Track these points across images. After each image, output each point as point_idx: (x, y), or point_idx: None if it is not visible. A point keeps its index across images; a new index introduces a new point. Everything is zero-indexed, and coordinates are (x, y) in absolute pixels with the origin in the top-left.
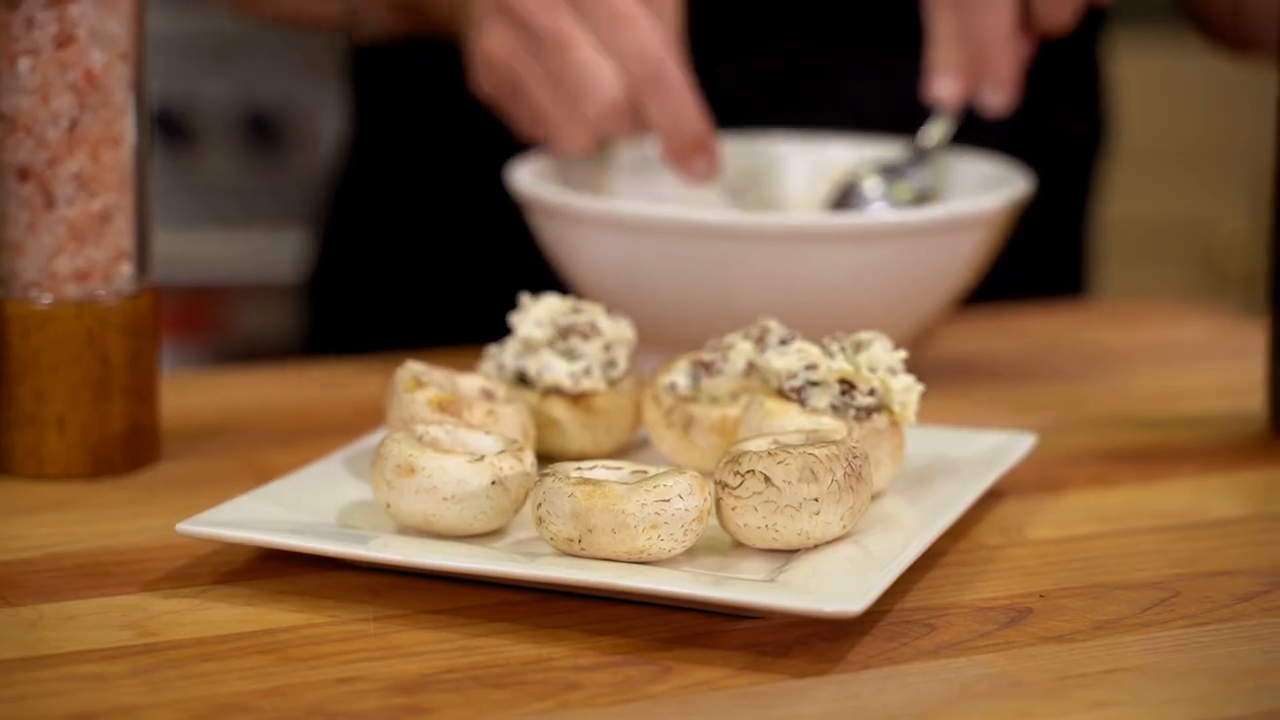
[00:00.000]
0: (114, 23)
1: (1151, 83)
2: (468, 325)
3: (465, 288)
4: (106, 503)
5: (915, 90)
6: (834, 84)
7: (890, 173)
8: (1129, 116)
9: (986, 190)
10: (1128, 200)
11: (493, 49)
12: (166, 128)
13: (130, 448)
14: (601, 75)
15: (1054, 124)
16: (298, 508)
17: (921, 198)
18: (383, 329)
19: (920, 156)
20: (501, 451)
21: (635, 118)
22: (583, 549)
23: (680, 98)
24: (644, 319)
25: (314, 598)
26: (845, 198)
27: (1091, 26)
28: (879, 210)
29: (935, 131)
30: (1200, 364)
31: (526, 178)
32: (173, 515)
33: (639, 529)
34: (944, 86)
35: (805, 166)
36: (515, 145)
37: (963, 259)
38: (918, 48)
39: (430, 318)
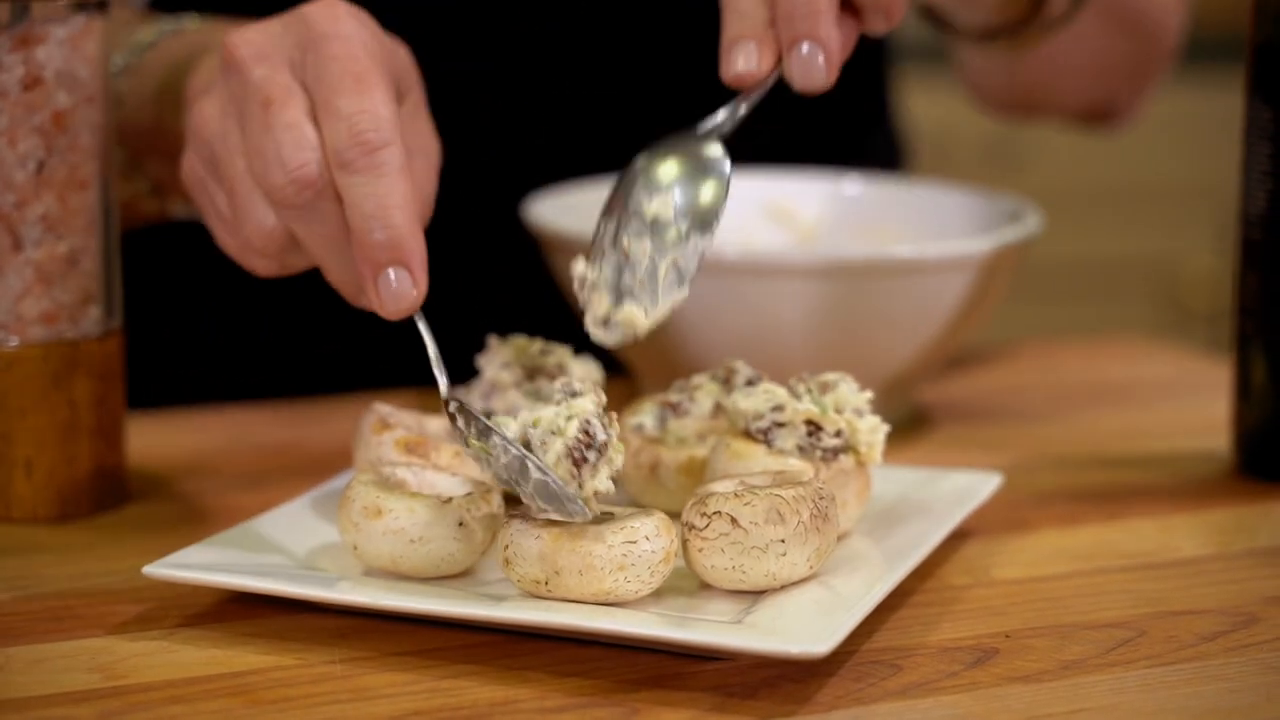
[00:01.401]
0: (80, 66)
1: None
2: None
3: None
4: (74, 545)
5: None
6: None
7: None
8: (1095, 153)
9: (982, 230)
10: (1094, 238)
11: (200, 120)
12: None
13: (98, 490)
14: (300, 141)
15: (851, 156)
16: (265, 550)
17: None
18: (346, 369)
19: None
20: (469, 494)
21: (328, 199)
22: (549, 591)
23: (393, 185)
24: (643, 353)
25: (282, 640)
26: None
27: (877, 62)
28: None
29: (718, 115)
30: (1165, 403)
31: (546, 213)
32: (140, 557)
33: (606, 570)
34: (744, 56)
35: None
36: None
37: (949, 300)
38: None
39: (396, 358)
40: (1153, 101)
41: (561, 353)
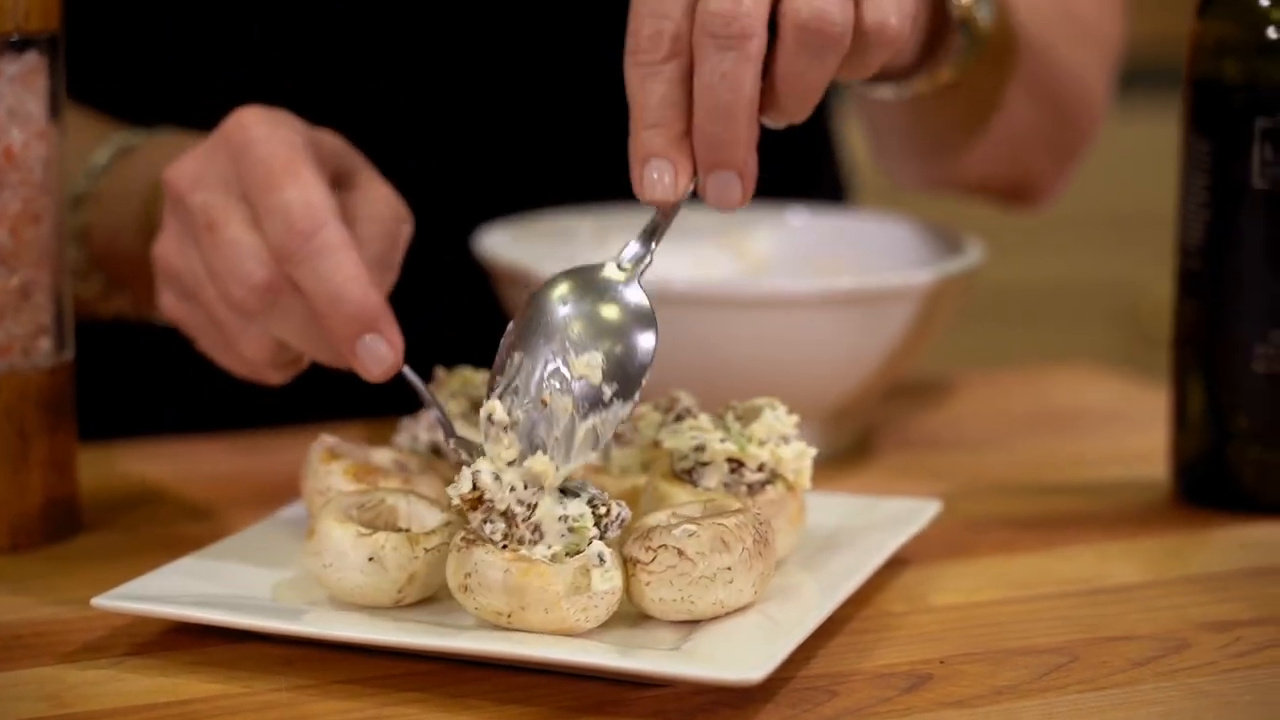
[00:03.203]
0: (32, 102)
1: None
2: (382, 405)
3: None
4: (24, 575)
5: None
6: None
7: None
8: None
9: (926, 260)
10: (1056, 264)
11: (162, 258)
12: None
13: (49, 520)
14: (246, 252)
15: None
16: (212, 581)
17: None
18: (294, 403)
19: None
20: (400, 531)
21: (288, 294)
22: (509, 622)
23: (338, 264)
24: None
25: (228, 668)
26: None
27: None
28: None
29: (634, 247)
30: (1107, 431)
31: (497, 245)
32: (89, 587)
33: (571, 610)
34: (658, 175)
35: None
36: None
37: (890, 331)
38: None
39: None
40: (1112, 131)
41: None
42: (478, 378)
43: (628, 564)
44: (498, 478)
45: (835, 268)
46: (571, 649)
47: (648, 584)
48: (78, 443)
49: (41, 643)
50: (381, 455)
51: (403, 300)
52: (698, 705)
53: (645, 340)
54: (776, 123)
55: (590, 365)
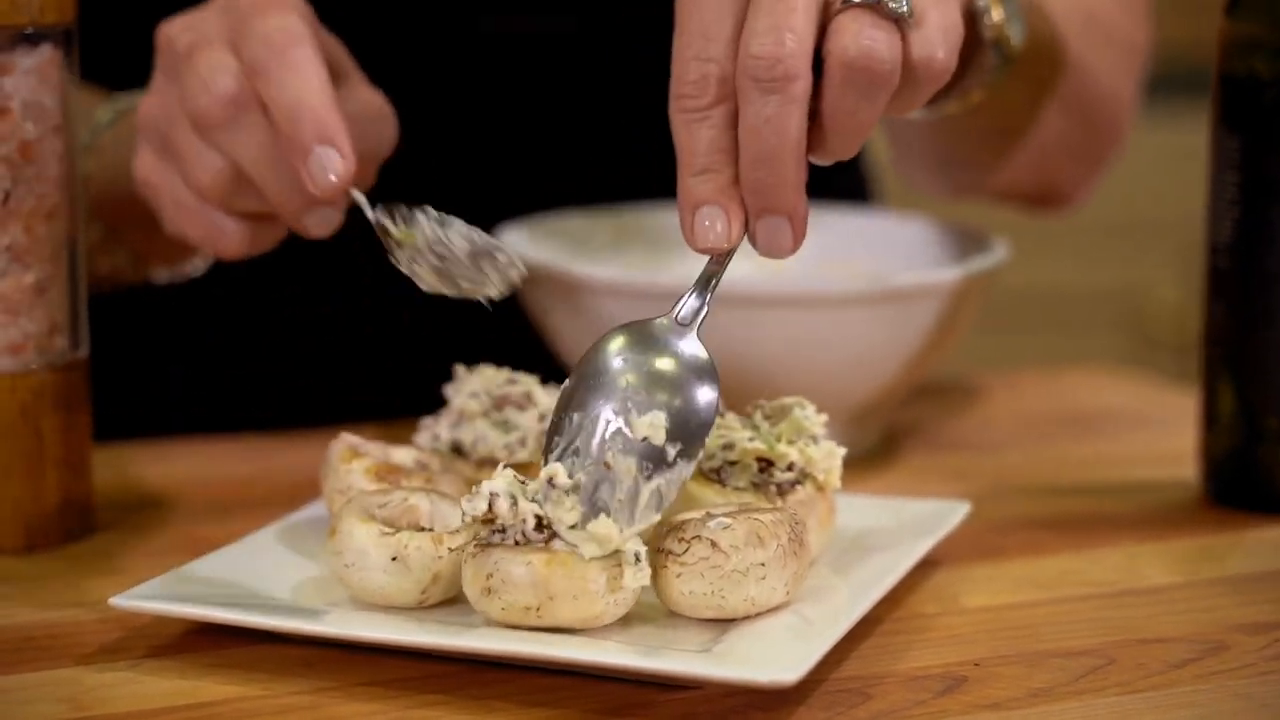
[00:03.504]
0: (47, 95)
1: None
2: (402, 406)
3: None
4: (40, 576)
5: None
6: None
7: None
8: None
9: (949, 259)
10: (1060, 268)
11: (143, 112)
12: None
13: (64, 521)
14: (218, 66)
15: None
16: (232, 580)
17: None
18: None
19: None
20: (423, 530)
21: (252, 110)
22: (539, 618)
23: (304, 76)
24: None
25: (248, 670)
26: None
27: None
28: None
29: (691, 300)
30: (1131, 433)
31: (517, 244)
32: (107, 588)
33: (599, 594)
34: (711, 224)
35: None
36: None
37: (915, 330)
38: None
39: (363, 399)
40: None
41: (529, 382)
42: (499, 376)
43: (659, 556)
44: (514, 503)
45: (855, 268)
46: (598, 650)
47: (679, 576)
48: (93, 443)
49: (58, 644)
50: (402, 454)
51: (423, 299)
52: (728, 708)
53: (706, 395)
54: (824, 161)
55: (653, 426)
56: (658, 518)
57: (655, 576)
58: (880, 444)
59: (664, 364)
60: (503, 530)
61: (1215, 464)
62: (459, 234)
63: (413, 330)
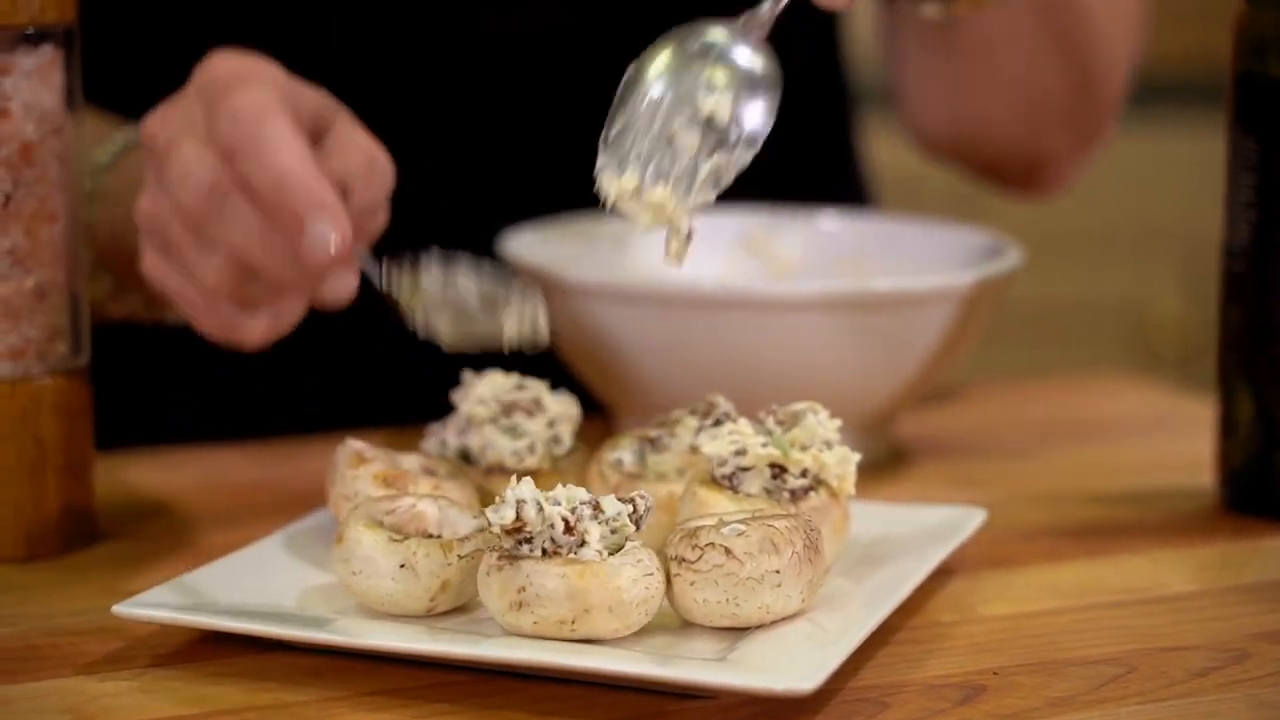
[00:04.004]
0: (48, 96)
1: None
2: (409, 413)
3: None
4: (41, 584)
5: None
6: None
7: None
8: (1063, 198)
9: (961, 264)
10: (1061, 281)
11: (140, 213)
12: None
13: (65, 528)
14: (193, 159)
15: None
16: (237, 588)
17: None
18: (322, 422)
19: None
20: (432, 537)
21: (235, 193)
22: (574, 630)
23: (280, 148)
24: (624, 388)
25: (254, 679)
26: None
27: (838, 110)
28: None
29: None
30: (1147, 440)
31: (523, 248)
32: (109, 596)
33: (633, 605)
34: None
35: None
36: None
37: (928, 335)
38: None
39: (370, 406)
40: (1117, 148)
41: (537, 388)
42: (507, 382)
43: (672, 564)
44: (540, 509)
45: (865, 271)
46: (611, 658)
47: (692, 583)
48: (95, 450)
49: (60, 654)
50: (409, 460)
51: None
52: (744, 717)
53: (770, 97)
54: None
55: (720, 105)
56: (713, 196)
57: (669, 585)
58: (893, 452)
59: (733, 59)
60: (529, 540)
61: (1233, 471)
62: (467, 275)
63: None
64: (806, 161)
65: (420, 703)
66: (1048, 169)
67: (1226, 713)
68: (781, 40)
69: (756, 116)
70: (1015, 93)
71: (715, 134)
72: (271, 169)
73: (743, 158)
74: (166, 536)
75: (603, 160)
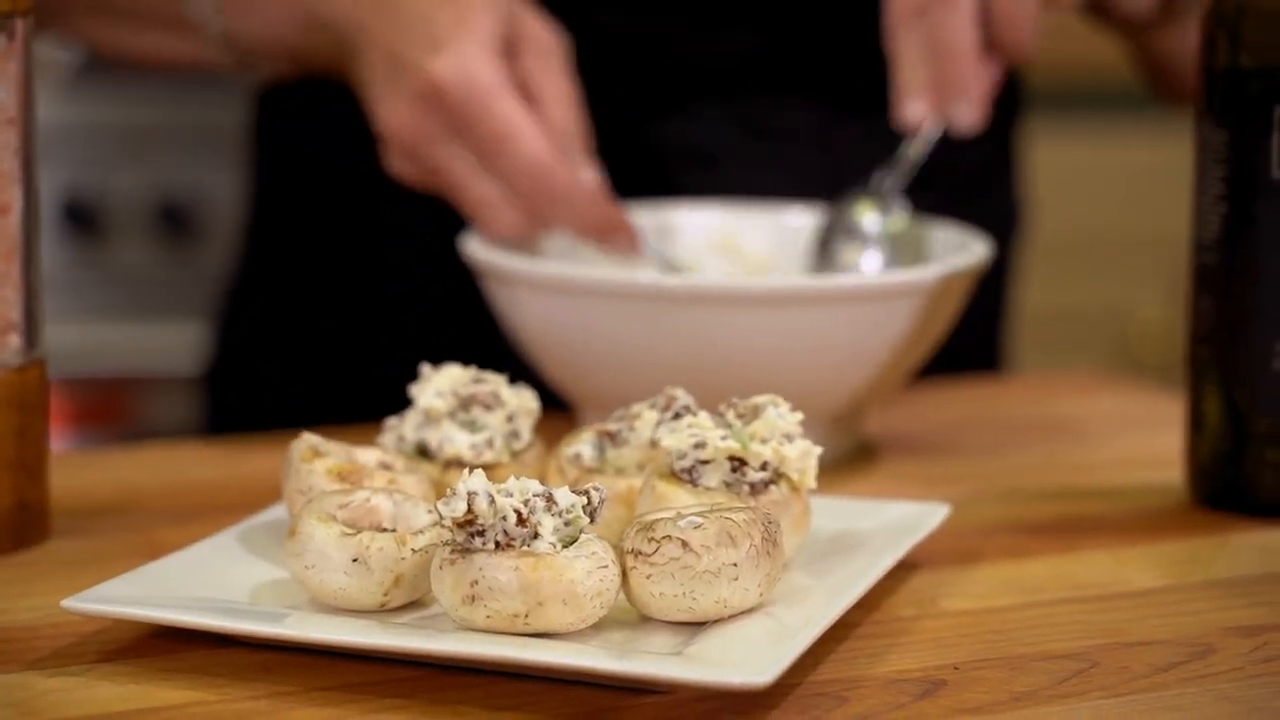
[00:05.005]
0: (1, 88)
1: (1068, 171)
2: (367, 410)
3: (363, 373)
4: None
5: (853, 151)
6: (774, 145)
7: (880, 202)
8: (1045, 205)
9: (937, 257)
10: (1044, 288)
11: (398, 131)
12: (76, 219)
13: (17, 524)
14: (495, 206)
15: (973, 210)
16: (188, 583)
17: (910, 232)
18: (281, 420)
19: (899, 181)
20: (385, 531)
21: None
22: (527, 624)
23: (576, 200)
24: (587, 382)
25: (203, 675)
26: (836, 229)
27: (1009, 113)
28: (872, 253)
29: (912, 151)
30: (1117, 437)
31: (484, 246)
32: (60, 593)
33: (587, 597)
34: (914, 108)
35: (764, 234)
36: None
37: (894, 329)
38: (857, 108)
39: (329, 404)
40: (1100, 154)
41: (496, 381)
42: (466, 375)
43: (628, 557)
44: (492, 501)
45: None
46: (566, 652)
47: (649, 577)
48: (49, 445)
49: (9, 648)
50: (366, 455)
51: (390, 297)
52: (700, 713)
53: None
54: (1011, 59)
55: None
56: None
57: (625, 579)
58: (859, 448)
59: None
60: (481, 533)
61: (1202, 467)
62: None
63: (385, 332)
64: (960, 171)
65: (371, 698)
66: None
67: (1189, 707)
68: None
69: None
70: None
71: None
72: (574, 206)
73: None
74: (122, 533)
75: None
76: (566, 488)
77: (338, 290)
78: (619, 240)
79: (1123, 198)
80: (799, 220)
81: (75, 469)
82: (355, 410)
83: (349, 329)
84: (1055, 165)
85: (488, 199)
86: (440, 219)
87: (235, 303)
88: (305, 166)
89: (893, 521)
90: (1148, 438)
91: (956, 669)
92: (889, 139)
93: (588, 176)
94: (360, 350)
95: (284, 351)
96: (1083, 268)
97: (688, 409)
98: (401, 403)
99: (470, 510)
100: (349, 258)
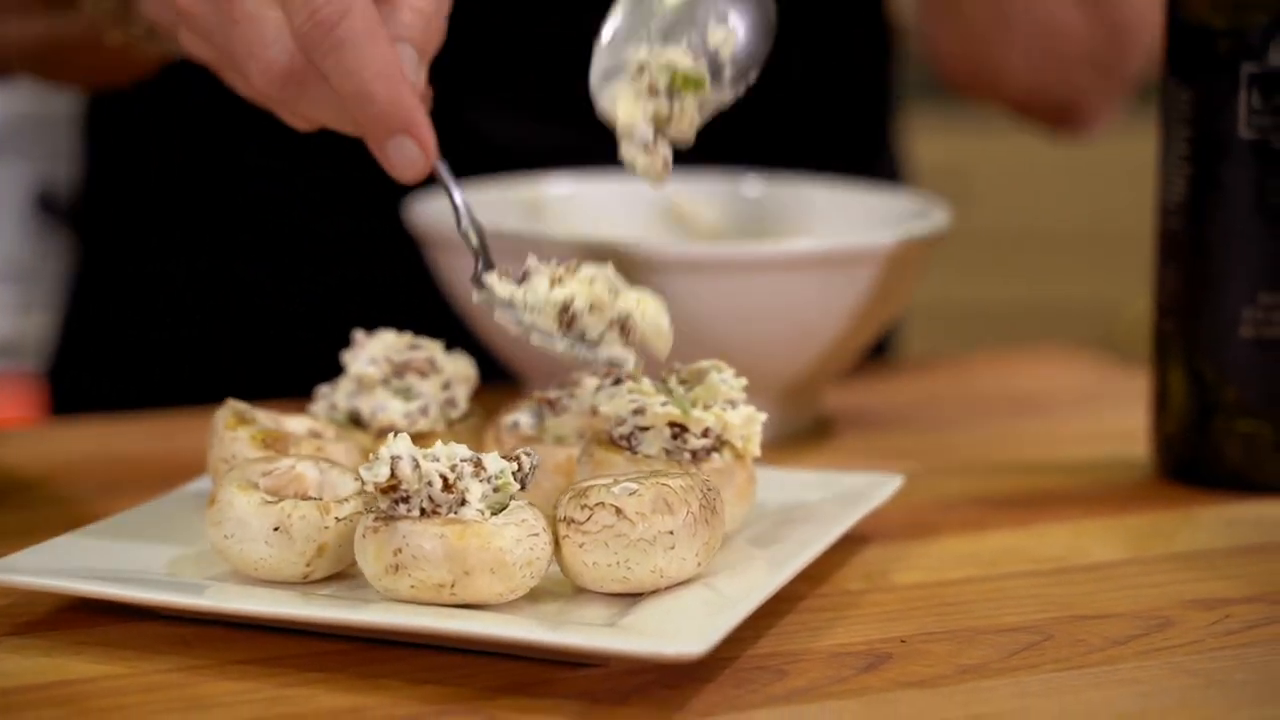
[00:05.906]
0: None
1: (1054, 166)
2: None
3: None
4: None
5: None
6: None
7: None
8: (1037, 199)
9: (888, 225)
10: (1031, 283)
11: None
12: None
13: None
14: (264, 34)
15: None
16: (105, 555)
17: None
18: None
19: None
20: (309, 499)
21: (314, 79)
22: (453, 594)
23: (364, 58)
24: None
25: (116, 648)
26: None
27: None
28: None
29: None
30: (1081, 411)
31: (427, 212)
32: None
33: (516, 566)
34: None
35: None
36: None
37: (851, 298)
38: None
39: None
40: (1087, 149)
41: (432, 348)
42: (400, 341)
43: (560, 525)
44: (417, 465)
45: (788, 236)
46: (494, 623)
47: (581, 545)
48: None
49: None
50: (295, 423)
51: (327, 262)
52: (632, 686)
53: (768, 29)
54: None
55: (725, 42)
56: (693, 134)
57: (558, 548)
58: (816, 423)
59: None
60: (405, 499)
61: (1167, 440)
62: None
63: (322, 297)
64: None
65: (291, 671)
66: (1079, 110)
67: (1146, 679)
68: None
69: (753, 52)
70: (1033, 40)
71: (716, 73)
72: (353, 78)
73: (733, 94)
74: (44, 507)
75: (602, 64)
76: (496, 453)
77: (268, 252)
78: (403, 152)
79: (1108, 192)
80: (754, 189)
81: (2, 445)
82: (291, 380)
83: (281, 292)
84: (1043, 161)
85: (255, 14)
86: (380, 185)
87: (78, 293)
88: (140, 136)
89: (843, 492)
90: (1113, 412)
91: (903, 642)
92: None
93: (407, 54)
94: (291, 319)
95: (217, 317)
96: (1070, 262)
97: (629, 375)
98: (334, 368)
99: (394, 475)
100: (273, 219)
